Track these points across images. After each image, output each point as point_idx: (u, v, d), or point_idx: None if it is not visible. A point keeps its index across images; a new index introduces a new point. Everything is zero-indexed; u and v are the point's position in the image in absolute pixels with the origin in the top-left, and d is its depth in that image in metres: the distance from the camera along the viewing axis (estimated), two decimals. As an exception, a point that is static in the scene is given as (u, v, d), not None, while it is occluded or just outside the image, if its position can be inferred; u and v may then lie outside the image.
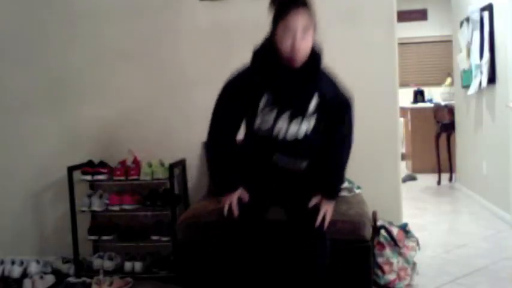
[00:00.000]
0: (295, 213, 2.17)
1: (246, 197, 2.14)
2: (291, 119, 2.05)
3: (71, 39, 3.51)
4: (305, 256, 2.10)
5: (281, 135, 2.07)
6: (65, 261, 3.36)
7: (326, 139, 2.17)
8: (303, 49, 1.96)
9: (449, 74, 6.87)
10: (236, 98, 2.09)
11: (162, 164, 3.25)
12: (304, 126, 2.07)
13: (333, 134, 2.17)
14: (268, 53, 2.02)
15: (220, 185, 2.19)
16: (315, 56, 2.06)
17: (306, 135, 2.09)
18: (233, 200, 2.11)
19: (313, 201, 2.12)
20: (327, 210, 2.13)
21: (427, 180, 6.36)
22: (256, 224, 2.18)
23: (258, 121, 2.06)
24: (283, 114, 2.03)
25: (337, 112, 2.16)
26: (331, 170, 2.20)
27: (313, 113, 2.08)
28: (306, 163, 2.15)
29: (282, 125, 2.05)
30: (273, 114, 2.03)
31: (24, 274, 3.28)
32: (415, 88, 7.74)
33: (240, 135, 2.23)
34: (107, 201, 3.24)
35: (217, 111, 2.13)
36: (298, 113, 2.05)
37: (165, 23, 3.42)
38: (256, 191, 2.16)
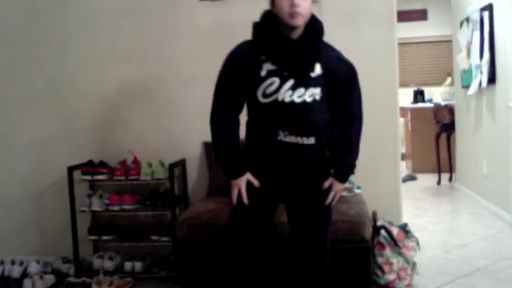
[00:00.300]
0: (298, 209, 2.13)
1: (255, 182, 2.07)
2: (294, 88, 1.98)
3: (71, 38, 3.51)
4: (305, 256, 2.09)
5: (287, 100, 1.99)
6: (65, 261, 3.36)
7: (335, 116, 2.11)
8: (302, 6, 1.94)
9: (449, 74, 6.87)
10: (238, 73, 2.04)
11: (162, 164, 3.25)
12: (308, 97, 2.00)
13: (342, 110, 2.11)
14: (268, 24, 2.02)
15: (227, 168, 2.11)
16: (315, 24, 2.04)
17: (312, 105, 2.01)
18: (241, 186, 2.06)
19: (326, 183, 2.10)
20: (338, 190, 2.12)
21: (427, 180, 6.36)
22: (266, 216, 2.15)
23: (260, 90, 2.00)
24: (286, 83, 1.98)
25: (343, 85, 2.10)
26: (343, 149, 2.14)
27: (317, 83, 2.02)
28: (313, 140, 2.03)
29: (284, 94, 1.99)
30: (276, 84, 1.98)
31: (24, 274, 3.28)
32: (415, 88, 7.74)
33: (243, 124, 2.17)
34: (107, 201, 3.24)
35: (219, 88, 2.09)
36: (301, 81, 1.99)
37: (165, 23, 3.42)
38: (264, 175, 2.08)
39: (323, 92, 2.04)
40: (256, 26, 2.06)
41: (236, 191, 2.07)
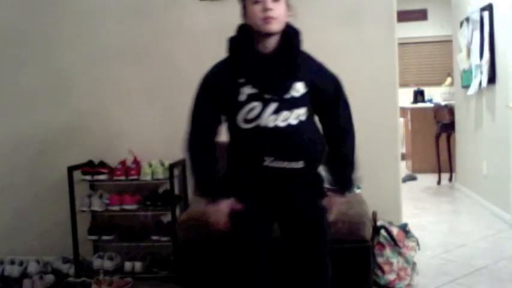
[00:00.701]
0: (293, 226, 1.97)
1: (237, 206, 1.95)
2: (277, 112, 1.89)
3: (71, 38, 3.51)
4: (306, 275, 1.96)
5: (271, 125, 1.89)
6: (65, 261, 3.36)
7: (326, 132, 2.05)
8: (275, 11, 1.86)
9: (449, 74, 6.87)
10: (213, 99, 1.98)
11: (162, 164, 3.25)
12: (293, 119, 1.91)
13: (331, 128, 2.05)
14: (243, 38, 1.95)
15: (203, 190, 2.04)
16: (291, 34, 1.95)
17: (298, 127, 1.92)
18: (224, 209, 1.94)
19: (326, 201, 2.02)
20: (339, 203, 2.06)
21: (427, 180, 6.36)
22: (257, 238, 1.97)
23: (241, 116, 1.91)
24: (268, 107, 1.89)
25: (329, 101, 2.02)
26: (341, 167, 2.06)
27: (302, 103, 1.93)
28: (301, 163, 1.94)
29: (267, 119, 1.89)
30: (258, 109, 1.89)
31: (24, 274, 3.28)
32: (415, 88, 7.73)
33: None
34: (107, 201, 3.24)
35: (194, 113, 2.03)
36: (285, 103, 1.90)
37: (165, 23, 3.42)
38: (250, 200, 1.96)
39: (309, 110, 1.97)
40: (231, 41, 1.99)
41: (221, 216, 1.96)
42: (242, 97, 1.91)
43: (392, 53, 3.32)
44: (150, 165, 3.23)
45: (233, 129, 2.00)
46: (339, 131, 2.06)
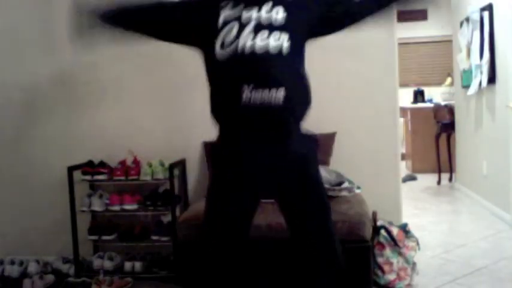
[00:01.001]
0: (293, 202, 1.88)
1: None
2: (256, 31, 1.77)
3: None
4: (314, 257, 1.91)
5: (247, 49, 1.76)
6: (65, 261, 3.36)
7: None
8: None
9: (449, 74, 6.87)
10: (194, 18, 1.88)
11: (162, 164, 3.25)
12: (272, 41, 1.77)
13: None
14: None
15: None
16: None
17: (279, 55, 1.77)
18: None
19: None
20: None
21: (427, 180, 6.36)
22: (242, 224, 1.88)
23: (219, 41, 1.79)
24: (246, 26, 1.78)
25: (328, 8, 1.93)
26: None
27: (282, 27, 1.80)
28: (282, 92, 1.74)
29: (246, 38, 1.77)
30: (235, 28, 1.78)
31: (24, 274, 3.28)
32: (415, 88, 7.74)
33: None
34: (107, 201, 3.24)
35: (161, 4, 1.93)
36: (263, 22, 1.79)
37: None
38: (240, 166, 1.82)
39: (296, 41, 1.82)
40: None
41: None
42: (221, 20, 1.81)
43: (392, 53, 3.32)
44: (150, 165, 3.23)
45: (210, 64, 1.89)
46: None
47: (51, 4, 3.47)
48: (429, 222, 4.42)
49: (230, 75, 1.79)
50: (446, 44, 7.29)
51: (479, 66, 4.70)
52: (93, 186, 3.39)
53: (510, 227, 4.09)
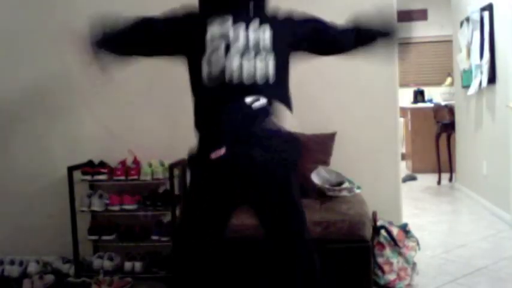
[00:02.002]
0: (267, 210, 1.89)
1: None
2: (243, 53, 1.80)
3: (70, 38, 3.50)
4: (286, 267, 1.90)
5: (235, 77, 1.79)
6: (65, 261, 3.35)
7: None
8: None
9: (449, 74, 6.87)
10: (183, 26, 1.90)
11: (162, 164, 3.25)
12: (259, 63, 1.81)
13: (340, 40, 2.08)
14: None
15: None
16: None
17: (266, 84, 1.81)
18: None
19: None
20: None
21: (427, 180, 6.36)
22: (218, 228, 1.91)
23: (205, 60, 1.82)
24: (233, 46, 1.80)
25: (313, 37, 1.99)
26: (369, 31, 2.15)
27: (269, 47, 1.83)
28: (265, 101, 1.78)
29: (233, 60, 1.79)
30: (222, 47, 1.79)
31: (24, 274, 3.27)
32: (415, 88, 7.74)
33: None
34: (107, 201, 3.24)
35: (148, 18, 1.99)
36: (250, 44, 1.82)
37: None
38: (219, 174, 1.83)
39: (279, 59, 1.85)
40: None
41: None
42: (208, 36, 1.83)
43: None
44: (150, 165, 3.23)
45: (196, 84, 1.93)
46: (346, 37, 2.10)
47: (52, 4, 3.47)
48: (429, 222, 4.41)
49: (217, 102, 1.83)
50: (446, 44, 7.29)
51: (479, 66, 4.70)
52: (93, 186, 3.39)
53: (510, 227, 4.09)
